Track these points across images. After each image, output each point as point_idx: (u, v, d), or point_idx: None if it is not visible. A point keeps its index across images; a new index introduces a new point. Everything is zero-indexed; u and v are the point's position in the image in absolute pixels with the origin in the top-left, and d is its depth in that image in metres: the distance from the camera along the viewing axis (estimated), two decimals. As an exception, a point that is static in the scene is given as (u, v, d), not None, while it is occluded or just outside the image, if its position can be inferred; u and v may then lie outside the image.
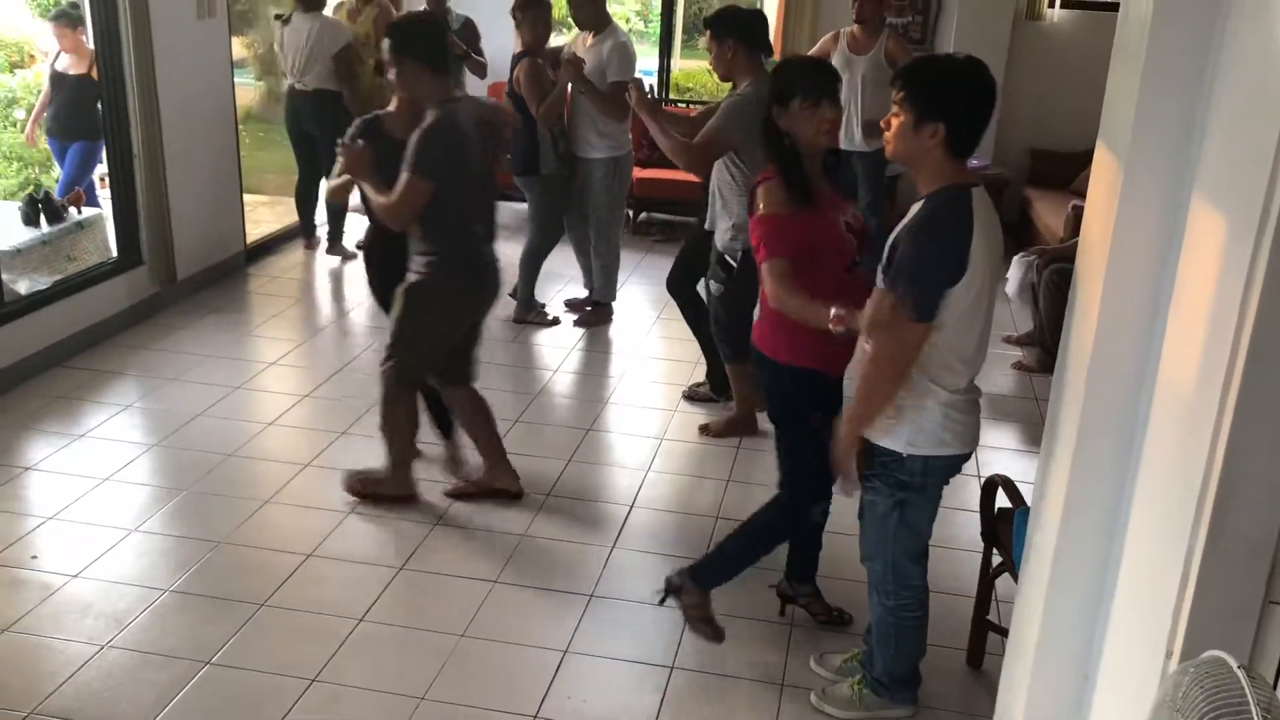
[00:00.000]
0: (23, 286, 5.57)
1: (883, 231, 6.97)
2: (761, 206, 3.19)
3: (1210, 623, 1.81)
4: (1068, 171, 7.81)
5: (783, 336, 3.20)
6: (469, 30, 7.30)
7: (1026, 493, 3.12)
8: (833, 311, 2.85)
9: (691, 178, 5.11)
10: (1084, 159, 6.64)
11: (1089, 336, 2.27)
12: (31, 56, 9.47)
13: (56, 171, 7.45)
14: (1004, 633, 3.24)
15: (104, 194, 6.78)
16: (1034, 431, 5.04)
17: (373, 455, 4.65)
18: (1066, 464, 2.37)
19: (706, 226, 4.76)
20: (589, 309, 6.47)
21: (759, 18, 4.75)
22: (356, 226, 7.75)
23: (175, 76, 6.09)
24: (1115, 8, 2.40)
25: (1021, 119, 8.09)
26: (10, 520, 4.10)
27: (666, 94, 9.28)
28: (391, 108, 4.18)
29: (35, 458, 4.58)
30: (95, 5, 5.74)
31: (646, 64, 8.94)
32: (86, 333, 5.67)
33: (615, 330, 6.39)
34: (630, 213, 8.07)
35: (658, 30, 9.58)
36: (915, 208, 2.79)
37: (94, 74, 6.59)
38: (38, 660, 3.35)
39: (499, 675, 3.38)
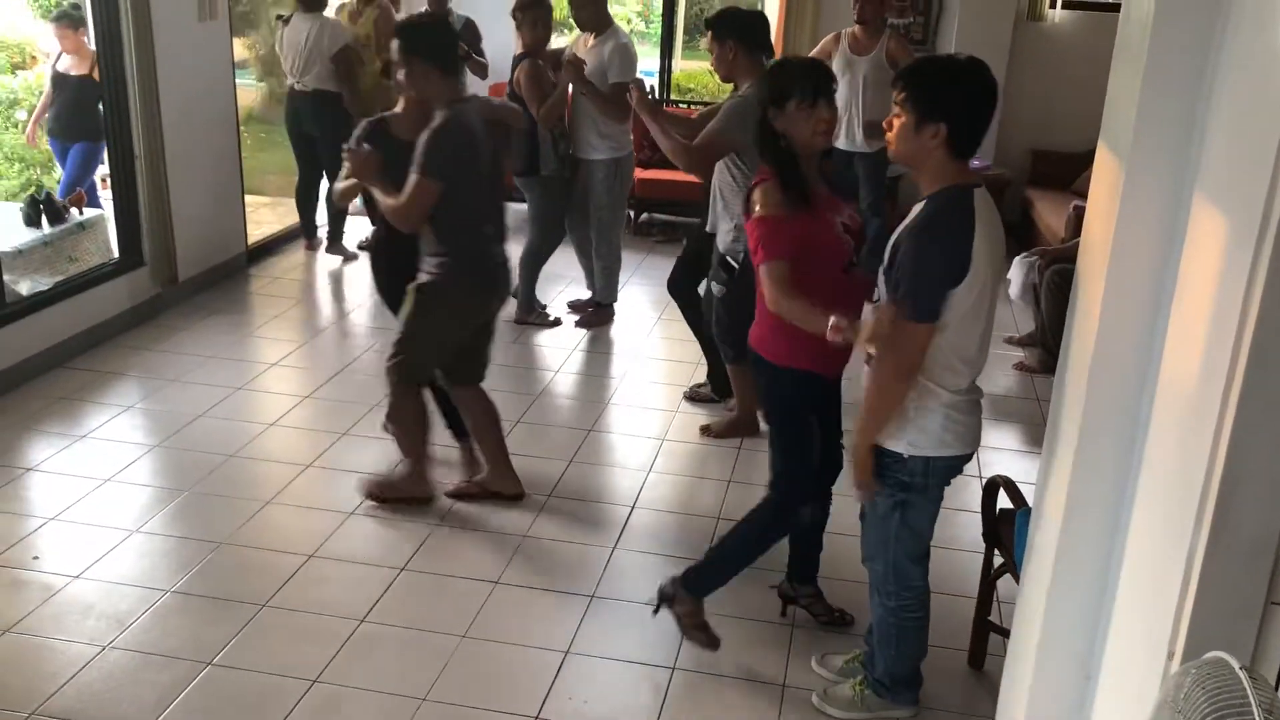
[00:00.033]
0: (24, 287, 5.58)
1: (884, 232, 6.99)
2: (758, 208, 3.16)
3: (1212, 623, 1.81)
4: (1069, 172, 7.81)
5: (781, 339, 3.19)
6: (470, 31, 7.30)
7: (1028, 493, 3.12)
8: (831, 320, 2.83)
9: (692, 179, 5.11)
10: (1085, 159, 6.64)
11: (1090, 337, 2.27)
12: (33, 57, 9.48)
13: (58, 172, 7.46)
14: (1005, 633, 3.24)
15: (105, 195, 6.78)
16: (1035, 432, 5.04)
17: (373, 456, 4.66)
18: (1068, 465, 2.37)
19: (708, 229, 4.76)
20: (590, 310, 6.47)
21: (760, 19, 4.75)
22: (357, 227, 7.80)
23: (177, 78, 6.09)
24: (1116, 8, 2.40)
25: (1023, 120, 8.09)
26: (12, 521, 4.10)
27: (668, 95, 9.28)
28: (398, 109, 4.18)
29: (37, 459, 4.58)
30: (97, 6, 5.75)
31: (648, 65, 8.94)
32: (88, 334, 5.68)
33: (616, 331, 6.39)
34: (631, 213, 8.07)
35: (659, 31, 9.58)
36: (917, 208, 2.79)
37: (95, 75, 6.60)
38: (39, 661, 3.35)
39: (500, 676, 3.38)
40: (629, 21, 12.64)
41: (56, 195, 6.44)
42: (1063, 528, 2.39)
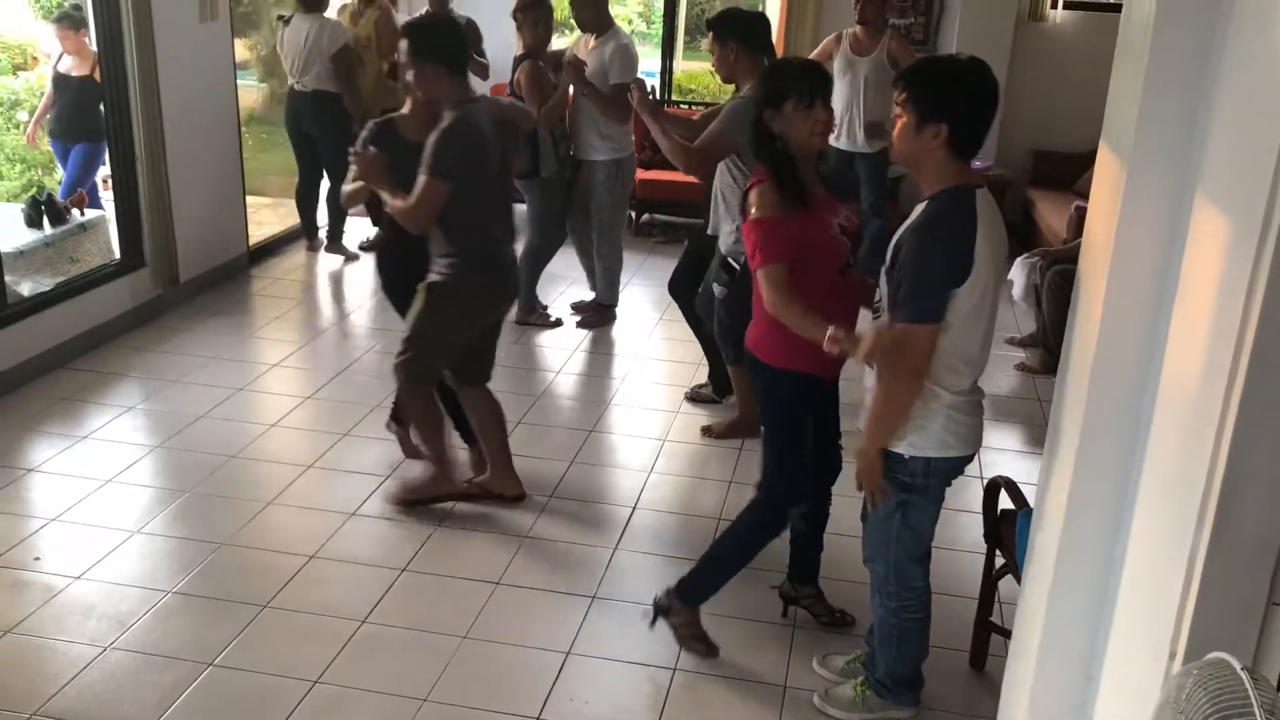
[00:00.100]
0: (26, 288, 5.58)
1: (886, 233, 7.00)
2: (754, 211, 3.14)
3: (1214, 624, 1.81)
4: (1070, 172, 7.81)
5: (779, 341, 3.17)
6: (471, 32, 7.31)
7: (1029, 494, 3.12)
8: (829, 331, 2.82)
9: (693, 179, 5.11)
10: (1087, 160, 6.64)
11: (1092, 337, 2.27)
12: (34, 58, 9.49)
13: (59, 173, 7.47)
14: (1007, 634, 3.24)
15: (107, 196, 6.79)
16: (1037, 433, 5.04)
17: (374, 457, 4.66)
18: (1069, 465, 2.36)
19: (709, 231, 4.76)
20: (591, 310, 6.47)
21: (761, 20, 4.75)
22: (357, 226, 7.81)
23: (178, 78, 6.10)
24: (1118, 9, 2.40)
25: (1024, 120, 8.09)
26: (13, 522, 4.10)
27: (669, 95, 9.28)
28: (405, 110, 4.18)
29: (38, 459, 4.58)
30: (98, 7, 5.75)
31: (649, 65, 8.94)
32: (89, 334, 5.68)
33: (617, 332, 6.39)
34: (632, 214, 8.07)
35: (660, 31, 9.59)
36: (918, 209, 2.79)
37: (96, 76, 6.60)
38: (40, 662, 3.35)
39: (501, 677, 3.38)
40: (630, 22, 12.64)
41: (58, 196, 6.45)
42: (1064, 528, 2.39)
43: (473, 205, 3.88)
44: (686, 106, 9.29)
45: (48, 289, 5.62)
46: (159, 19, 5.83)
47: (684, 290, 5.29)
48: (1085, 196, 2.85)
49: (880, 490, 2.92)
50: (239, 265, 7.05)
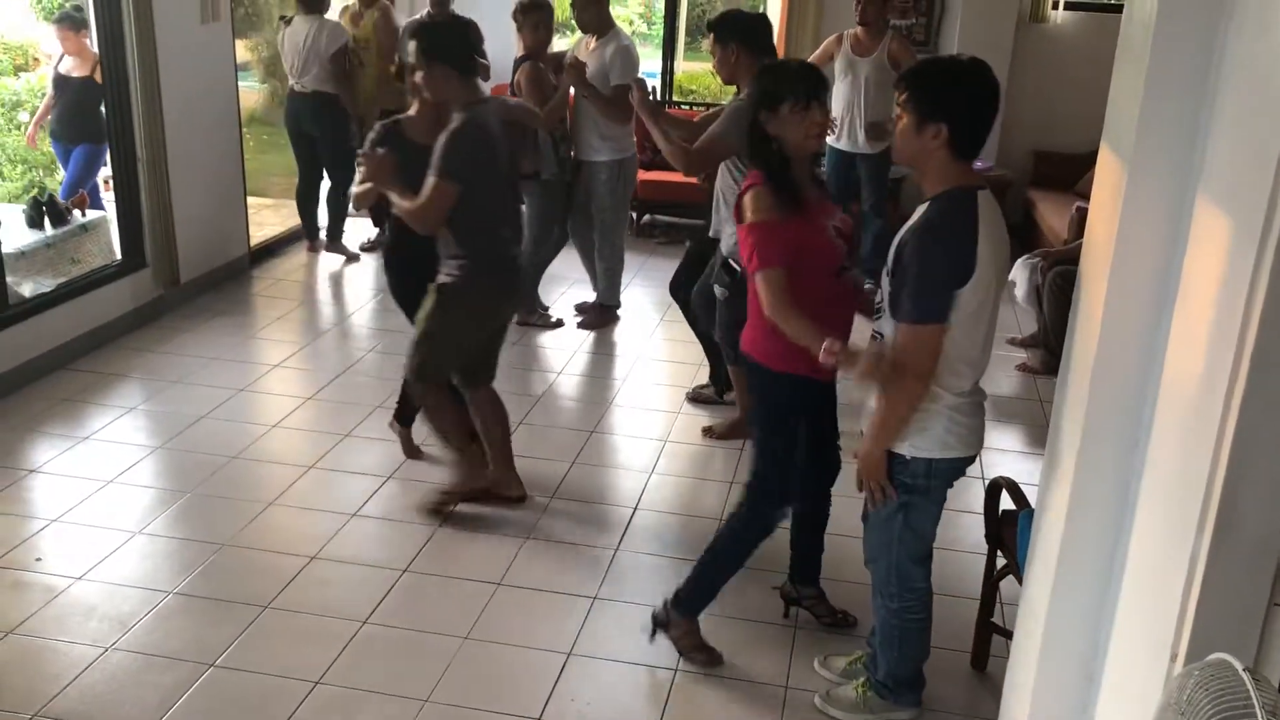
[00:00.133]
0: (27, 289, 5.58)
1: (886, 233, 6.99)
2: (750, 214, 3.12)
3: (1215, 625, 1.81)
4: (1071, 173, 7.80)
5: (776, 343, 3.13)
6: (472, 33, 7.31)
7: (1031, 495, 3.12)
8: (825, 343, 2.81)
9: (694, 180, 5.11)
10: (1088, 161, 6.63)
11: (1093, 338, 2.27)
12: (36, 59, 9.49)
13: (60, 174, 7.47)
14: (1008, 635, 3.24)
15: (108, 196, 6.79)
16: (1038, 434, 5.04)
17: (376, 458, 4.66)
18: (1070, 466, 2.36)
19: (711, 234, 4.76)
20: (592, 311, 6.47)
21: (762, 21, 4.74)
22: (357, 227, 7.81)
23: (179, 79, 6.10)
24: (1119, 9, 2.40)
25: (1025, 121, 8.09)
26: (14, 523, 4.10)
27: (670, 96, 9.28)
28: (412, 112, 4.18)
29: (39, 460, 4.58)
30: (100, 8, 5.75)
31: (650, 66, 8.95)
32: (90, 335, 5.68)
33: (619, 332, 6.39)
34: (634, 215, 8.07)
35: (661, 32, 9.59)
36: (920, 210, 2.78)
37: (97, 76, 6.60)
38: (42, 662, 3.35)
39: (503, 677, 3.38)
40: (631, 23, 12.65)
41: (59, 197, 6.45)
42: (1065, 529, 2.39)
43: (481, 206, 3.88)
44: (687, 108, 9.29)
45: (49, 290, 5.62)
46: (160, 20, 5.84)
47: (685, 291, 5.29)
48: (1086, 197, 2.85)
49: (883, 491, 2.91)
50: (240, 266, 7.06)
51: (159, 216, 6.09)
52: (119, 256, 6.15)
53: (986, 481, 3.49)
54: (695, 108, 9.21)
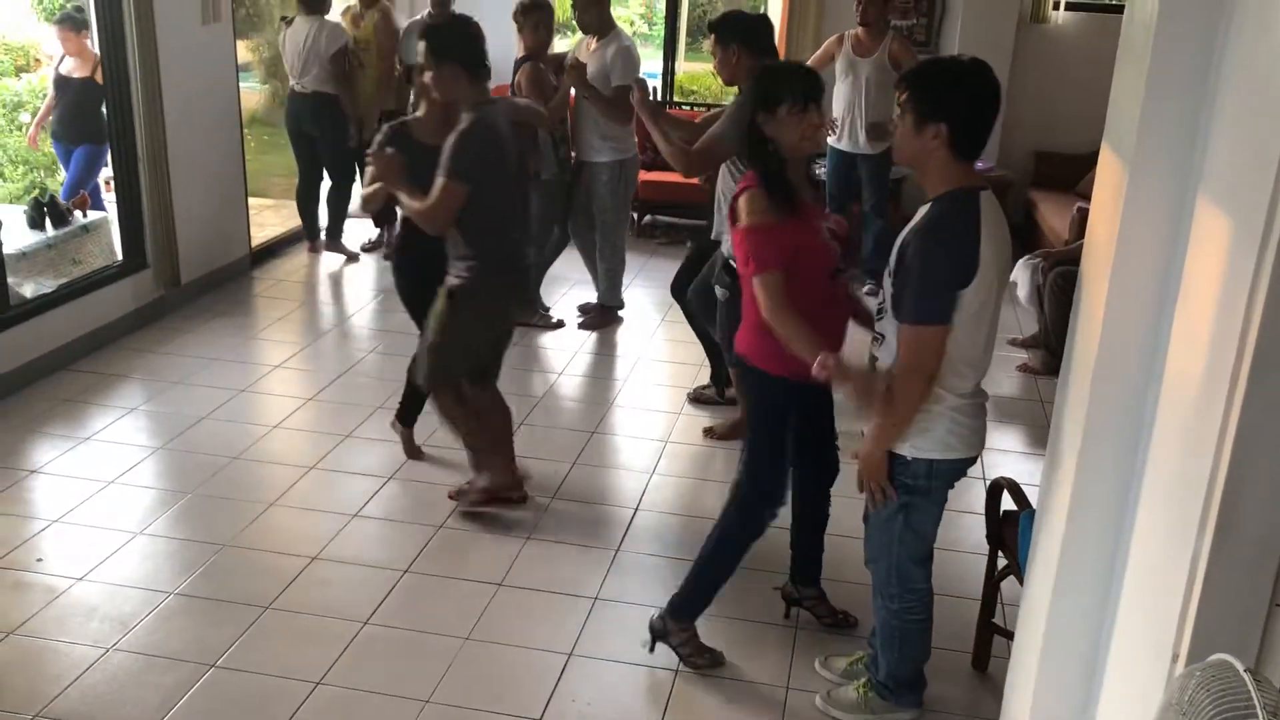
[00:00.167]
0: (28, 290, 5.58)
1: (887, 234, 6.99)
2: (745, 218, 3.10)
3: (1216, 626, 1.81)
4: (1072, 174, 7.80)
5: (772, 345, 3.11)
6: (472, 33, 7.31)
7: (1032, 495, 3.12)
8: (820, 357, 2.82)
9: (695, 181, 5.11)
10: (1089, 161, 6.63)
11: (1094, 339, 2.27)
12: (37, 60, 9.50)
13: (62, 175, 7.47)
14: (1009, 636, 3.24)
15: (109, 197, 6.79)
16: (1039, 434, 5.04)
17: (377, 458, 4.67)
18: (1072, 466, 2.36)
19: (713, 236, 4.76)
20: (594, 312, 6.47)
21: (763, 22, 4.74)
22: (357, 227, 7.81)
23: (180, 80, 6.10)
24: (1120, 10, 2.40)
25: (1026, 121, 8.09)
26: (16, 523, 4.11)
27: (670, 97, 9.28)
28: (420, 113, 4.17)
29: (41, 461, 4.59)
30: (101, 9, 5.76)
31: (651, 67, 8.95)
32: (92, 336, 5.69)
33: (620, 333, 6.39)
34: (634, 215, 8.07)
35: (662, 33, 9.59)
36: (922, 210, 2.78)
37: (98, 77, 6.61)
38: (43, 663, 3.35)
39: (504, 678, 3.38)
40: (632, 24, 12.65)
41: (60, 198, 6.45)
42: (1066, 530, 2.39)
43: (490, 207, 3.88)
44: (688, 108, 9.29)
45: (50, 290, 5.62)
46: (161, 21, 5.84)
47: (687, 292, 5.28)
48: (1087, 198, 2.85)
49: (883, 492, 2.91)
50: (241, 267, 7.06)
51: (160, 217, 6.09)
52: (120, 257, 6.15)
53: (988, 482, 3.49)
54: (696, 108, 9.21)
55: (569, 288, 6.84)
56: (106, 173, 6.94)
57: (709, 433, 5.05)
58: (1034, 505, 2.94)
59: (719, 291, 4.61)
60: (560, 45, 7.35)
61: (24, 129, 8.39)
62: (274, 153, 9.36)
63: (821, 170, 7.33)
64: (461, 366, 4.12)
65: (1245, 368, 1.70)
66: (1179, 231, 2.09)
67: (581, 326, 6.38)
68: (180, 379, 5.43)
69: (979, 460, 3.00)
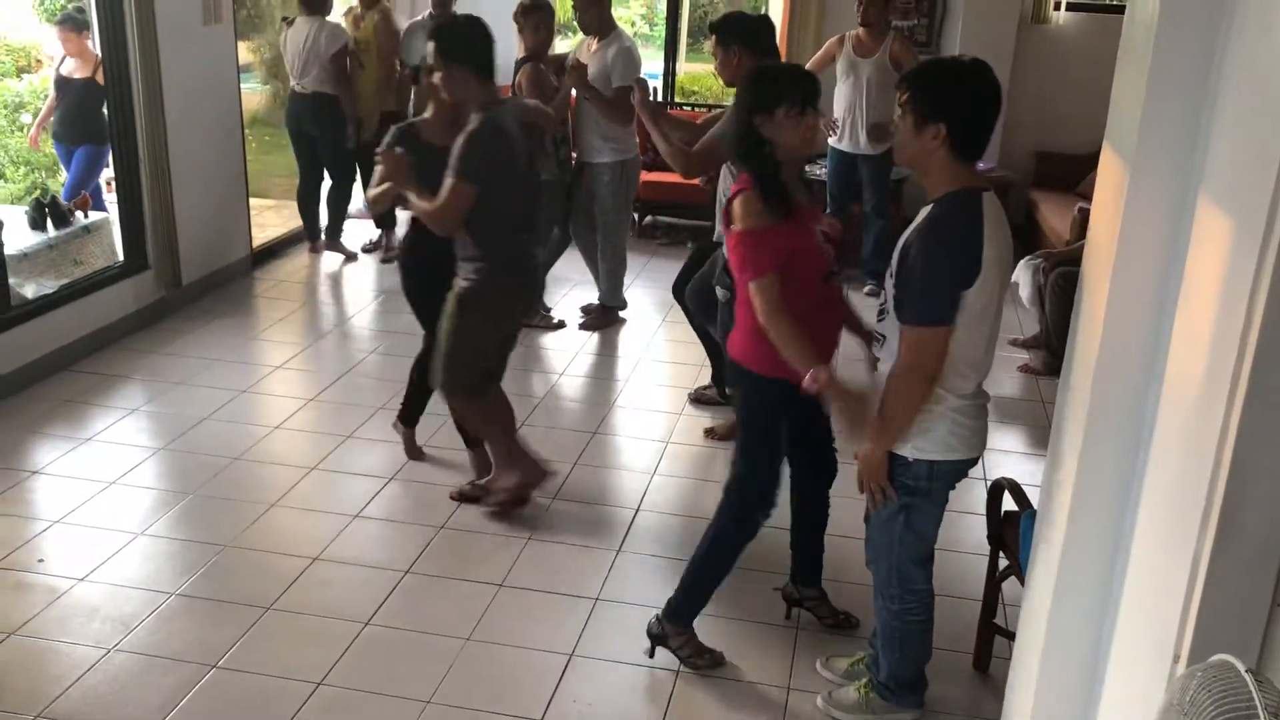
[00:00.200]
0: (29, 290, 5.58)
1: (887, 235, 6.98)
2: (739, 222, 3.07)
3: (1218, 626, 1.81)
4: (1073, 174, 7.81)
5: (767, 349, 3.09)
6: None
7: (1033, 496, 3.12)
8: (811, 371, 2.85)
9: (696, 182, 5.11)
10: (1090, 161, 6.63)
11: (1095, 339, 2.27)
12: (38, 61, 9.50)
13: (63, 176, 7.48)
14: (1011, 636, 3.24)
15: (111, 198, 6.80)
16: (1040, 434, 5.04)
17: (378, 459, 4.67)
18: (1073, 467, 2.36)
19: (715, 238, 4.76)
20: (595, 313, 6.47)
21: (765, 23, 4.73)
22: (357, 228, 7.82)
23: (181, 81, 6.10)
24: (1121, 10, 2.40)
25: (1027, 122, 8.09)
26: (17, 524, 4.11)
27: (671, 97, 9.28)
28: (428, 114, 4.16)
29: (42, 461, 4.59)
30: (102, 10, 5.76)
31: (651, 67, 8.95)
32: (93, 337, 5.69)
33: (621, 334, 6.39)
34: (635, 216, 8.07)
35: (663, 34, 9.59)
36: (924, 211, 2.78)
37: (99, 78, 6.61)
38: (44, 664, 3.36)
39: (505, 679, 3.38)
40: (633, 24, 12.65)
41: (61, 198, 6.46)
42: (1068, 530, 2.38)
43: (499, 208, 3.87)
44: (690, 109, 9.29)
45: (51, 291, 5.62)
46: (163, 21, 5.84)
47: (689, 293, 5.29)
48: (1088, 198, 2.85)
49: (883, 492, 2.91)
50: (242, 267, 7.06)
51: (161, 218, 6.09)
52: (121, 258, 6.15)
53: (989, 483, 3.49)
54: (697, 109, 9.21)
55: (570, 288, 6.85)
56: (108, 173, 6.95)
57: (710, 433, 5.05)
58: (1035, 506, 2.93)
59: (720, 292, 4.61)
60: (561, 46, 7.35)
61: (25, 130, 8.40)
62: (275, 153, 9.36)
63: (822, 171, 7.34)
64: (476, 369, 4.11)
65: (1246, 368, 1.70)
66: (1180, 232, 2.09)
67: (582, 327, 6.38)
68: (181, 380, 5.43)
69: (980, 461, 3.00)
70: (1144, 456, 2.22)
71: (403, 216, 7.58)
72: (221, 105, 6.74)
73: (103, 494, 4.33)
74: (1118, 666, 2.31)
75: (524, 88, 5.85)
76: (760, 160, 3.11)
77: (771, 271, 3.02)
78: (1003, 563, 3.39)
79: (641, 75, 5.91)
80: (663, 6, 9.57)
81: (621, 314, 6.52)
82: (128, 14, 5.70)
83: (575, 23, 6.20)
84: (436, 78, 3.91)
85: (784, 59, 6.53)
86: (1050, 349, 5.83)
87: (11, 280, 5.36)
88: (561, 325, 6.38)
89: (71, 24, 7.03)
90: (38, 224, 6.04)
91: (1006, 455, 4.95)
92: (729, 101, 4.96)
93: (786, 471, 3.42)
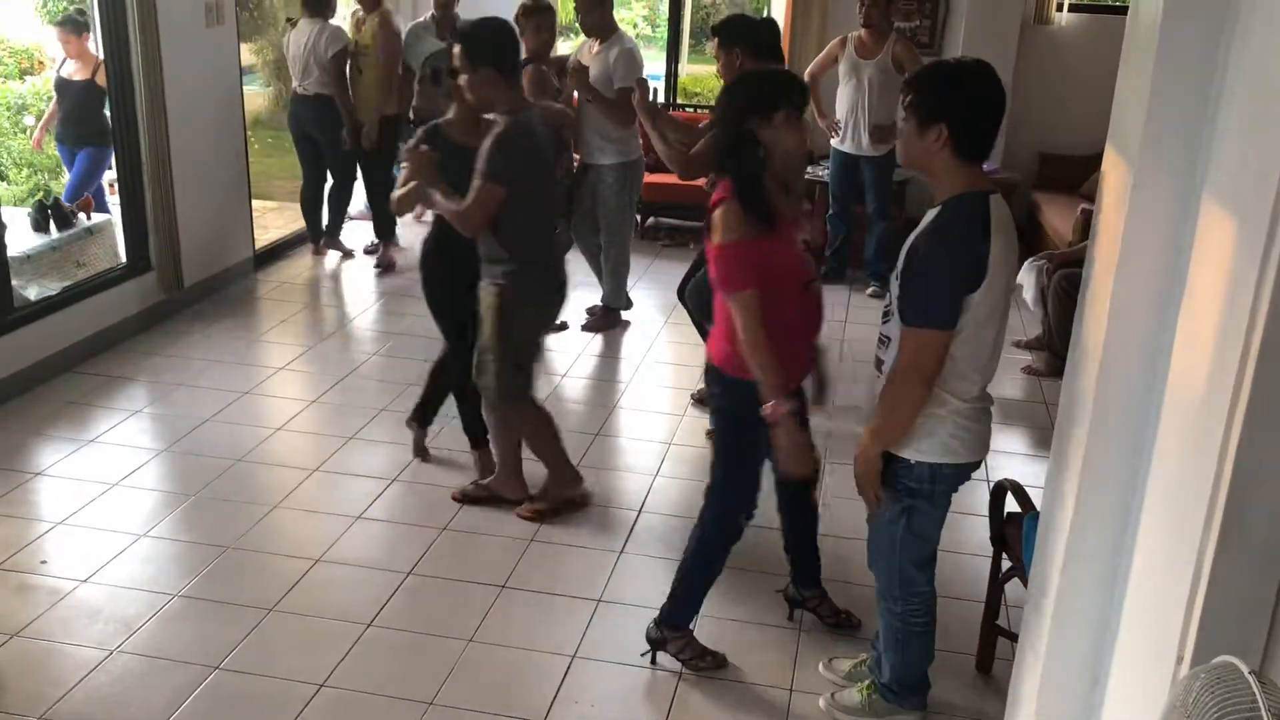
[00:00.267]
0: (32, 292, 5.59)
1: (889, 236, 6.97)
2: (719, 234, 3.04)
3: (1221, 627, 1.80)
4: (1076, 175, 7.80)
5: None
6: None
7: (1036, 497, 3.12)
8: (774, 403, 2.93)
9: (699, 183, 5.11)
10: (1093, 162, 6.62)
11: (1098, 340, 2.27)
12: (41, 63, 9.51)
13: (66, 177, 7.49)
14: (1014, 637, 3.23)
15: (114, 200, 6.80)
16: (1043, 436, 5.04)
17: (380, 460, 4.67)
18: (1076, 468, 2.36)
19: None
20: (598, 314, 6.47)
21: (767, 25, 4.74)
22: (357, 228, 7.83)
23: (184, 83, 6.11)
24: (1124, 11, 2.40)
25: (1030, 122, 8.08)
26: (20, 525, 4.11)
27: (673, 99, 9.28)
28: (450, 115, 4.17)
29: (45, 463, 4.59)
30: (104, 12, 5.77)
31: (654, 69, 8.96)
32: (96, 338, 5.69)
33: (624, 336, 6.39)
34: (638, 217, 8.07)
35: (665, 35, 9.59)
36: (930, 214, 2.77)
37: (99, 80, 6.62)
38: (47, 665, 3.36)
39: (507, 680, 3.38)
40: (635, 26, 12.66)
41: (63, 200, 6.46)
42: (1071, 532, 2.38)
43: (527, 209, 3.88)
44: (692, 110, 9.29)
45: (54, 293, 5.63)
46: (165, 23, 5.85)
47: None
48: (1091, 199, 2.85)
49: (878, 495, 2.91)
50: (245, 269, 7.07)
51: (164, 220, 6.10)
52: (124, 260, 6.16)
53: (991, 484, 3.48)
54: (700, 110, 9.21)
55: (573, 290, 6.82)
56: (110, 175, 6.95)
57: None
58: (1038, 507, 2.93)
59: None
60: (563, 48, 7.34)
61: (28, 131, 8.41)
62: (278, 155, 9.38)
63: (824, 172, 7.34)
64: (528, 371, 4.13)
65: (1250, 369, 1.70)
66: (1183, 233, 2.09)
67: (585, 329, 6.37)
68: (184, 381, 5.44)
69: (983, 463, 3.00)
70: (1147, 458, 2.22)
71: (403, 229, 7.61)
72: (224, 107, 6.75)
73: (105, 495, 4.33)
74: (1121, 668, 2.31)
75: (526, 89, 5.84)
76: (750, 162, 3.05)
77: (748, 287, 3.01)
78: (1005, 564, 3.39)
79: (643, 76, 5.92)
80: (665, 8, 9.58)
81: (624, 315, 6.52)
82: (130, 15, 5.70)
83: (577, 24, 6.20)
84: (462, 80, 3.91)
85: (786, 61, 6.52)
86: (1053, 350, 5.82)
87: (15, 282, 5.37)
88: (564, 327, 6.37)
89: (71, 26, 7.04)
90: (40, 226, 6.05)
91: (1009, 457, 4.95)
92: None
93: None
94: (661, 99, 8.93)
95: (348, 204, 7.62)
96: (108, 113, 6.31)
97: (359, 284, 7.24)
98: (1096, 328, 2.29)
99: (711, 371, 3.29)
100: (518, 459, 4.34)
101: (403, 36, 7.17)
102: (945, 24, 8.21)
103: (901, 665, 3.14)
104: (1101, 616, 2.39)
